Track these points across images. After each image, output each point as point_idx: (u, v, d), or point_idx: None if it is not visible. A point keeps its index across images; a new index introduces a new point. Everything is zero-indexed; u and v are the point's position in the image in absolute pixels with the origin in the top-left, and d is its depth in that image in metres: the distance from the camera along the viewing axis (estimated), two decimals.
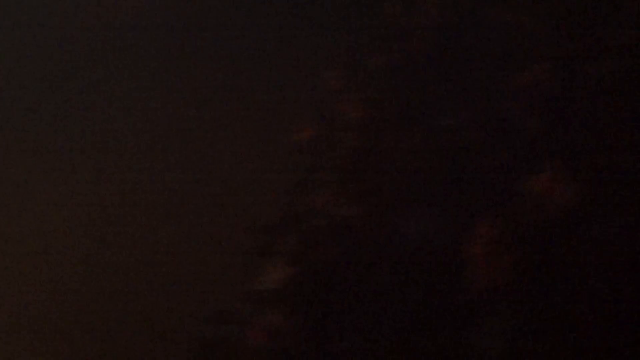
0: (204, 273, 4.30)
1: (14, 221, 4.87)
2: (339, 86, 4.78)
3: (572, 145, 3.69)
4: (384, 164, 4.08)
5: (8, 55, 6.40)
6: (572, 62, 3.93)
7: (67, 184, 5.08)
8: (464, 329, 3.43)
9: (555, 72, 3.90)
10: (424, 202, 3.82)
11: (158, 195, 4.85)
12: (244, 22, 5.88)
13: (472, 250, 3.53)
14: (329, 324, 3.55)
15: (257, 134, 5.02)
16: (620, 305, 3.25)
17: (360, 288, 3.71)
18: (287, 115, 5.06)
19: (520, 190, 3.65)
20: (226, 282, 4.19)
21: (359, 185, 4.12)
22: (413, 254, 3.67)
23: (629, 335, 3.25)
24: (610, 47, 3.94)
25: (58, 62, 6.09)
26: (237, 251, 4.34)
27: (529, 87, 3.91)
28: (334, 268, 3.74)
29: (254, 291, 3.98)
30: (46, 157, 5.40)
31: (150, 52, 5.97)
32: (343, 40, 5.18)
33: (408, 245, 3.80)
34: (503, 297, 3.37)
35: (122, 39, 6.08)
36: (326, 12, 5.38)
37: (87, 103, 5.64)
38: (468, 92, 4.05)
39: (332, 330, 3.53)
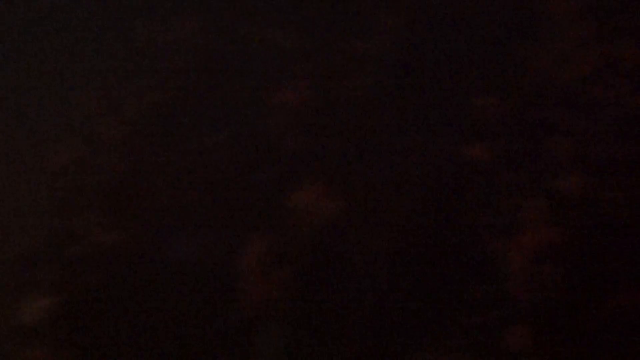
0: None
1: None
2: (99, 109, 4.71)
3: (332, 158, 3.78)
4: (149, 185, 4.06)
5: None
6: (327, 78, 4.02)
7: None
8: (240, 347, 3.47)
9: (312, 88, 3.98)
10: (192, 222, 3.81)
11: None
12: None
13: (244, 267, 3.57)
14: (96, 356, 3.50)
15: (13, 158, 4.80)
16: (391, 315, 3.35)
17: (127, 315, 3.64)
18: (47, 138, 4.85)
19: (287, 206, 3.69)
20: None
21: (123, 208, 4.02)
22: (183, 275, 3.67)
23: (401, 336, 3.35)
24: (362, 60, 4.05)
25: None
26: None
27: (288, 104, 3.98)
28: (98, 296, 3.66)
29: (15, 326, 3.75)
30: None
31: None
32: (99, 62, 5.10)
33: (177, 267, 3.76)
34: (277, 311, 3.43)
35: None
36: (81, 38, 5.32)
37: None
38: (231, 110, 4.08)
39: None
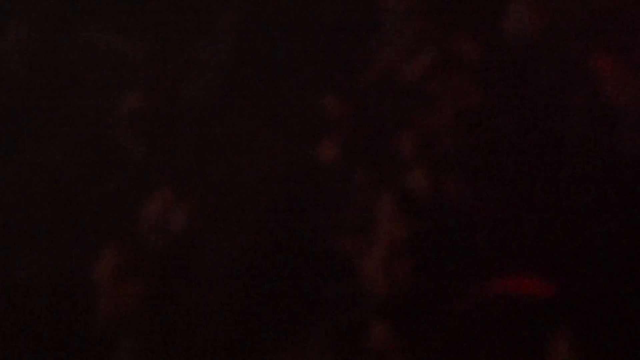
0: None
1: None
2: None
3: (180, 165, 3.82)
4: None
5: None
6: (172, 83, 4.04)
7: None
8: None
9: (156, 95, 3.98)
10: (39, 239, 3.73)
11: None
12: None
13: (97, 281, 3.54)
14: None
15: None
16: (247, 319, 3.42)
17: None
18: None
19: (138, 215, 3.69)
20: None
21: None
22: (34, 294, 3.61)
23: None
24: (205, 64, 4.09)
25: None
26: None
27: (132, 112, 3.96)
28: None
29: None
30: None
31: None
32: None
33: (26, 286, 3.69)
34: (132, 324, 3.44)
35: None
36: None
37: None
38: (74, 121, 4.00)
39: None
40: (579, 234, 3.38)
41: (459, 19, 3.78)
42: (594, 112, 3.61)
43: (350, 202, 3.61)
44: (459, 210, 3.42)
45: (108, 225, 3.82)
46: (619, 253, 3.31)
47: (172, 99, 3.91)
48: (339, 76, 3.91)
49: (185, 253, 3.71)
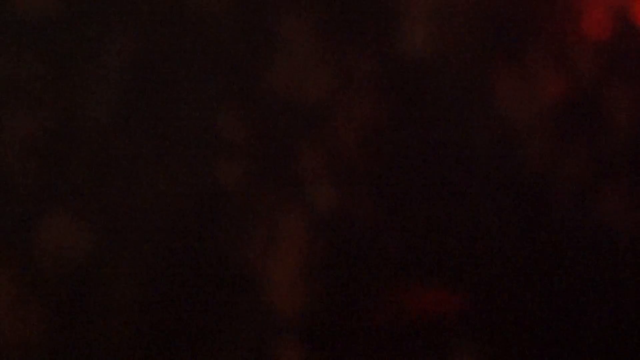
0: None
1: None
2: None
3: (78, 189, 3.78)
4: None
5: None
6: (67, 104, 4.00)
7: None
8: None
9: (52, 117, 3.93)
10: None
11: None
12: None
13: None
14: None
15: None
16: (153, 341, 3.43)
17: None
18: None
19: (35, 242, 3.65)
20: None
21: None
22: None
23: None
24: (101, 83, 4.08)
25: None
26: None
27: (27, 135, 3.91)
28: None
29: None
30: None
31: None
32: None
33: None
34: (34, 354, 3.39)
35: None
36: None
37: None
38: None
39: None
40: (483, 247, 3.45)
41: (357, 38, 3.81)
42: (492, 127, 3.69)
43: (255, 221, 3.58)
44: (366, 226, 3.44)
45: (4, 255, 3.69)
46: (524, 267, 3.39)
47: (70, 120, 3.80)
48: (240, 96, 3.89)
49: (86, 278, 3.61)
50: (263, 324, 3.35)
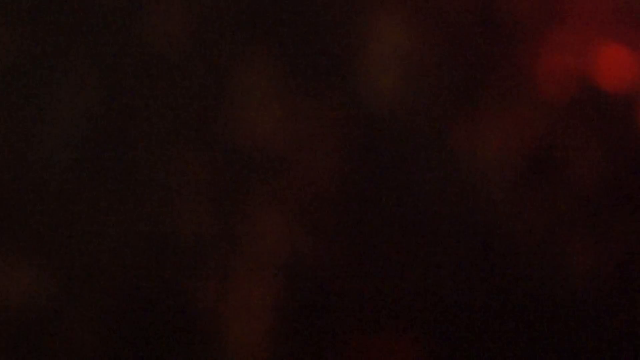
0: None
1: None
2: None
3: (34, 231, 3.78)
4: None
5: None
6: (16, 146, 3.99)
7: None
8: None
9: (5, 156, 3.91)
10: None
11: None
12: None
13: None
14: None
15: None
16: None
17: None
18: None
19: None
20: None
21: None
22: None
23: None
24: (52, 125, 4.06)
25: None
26: None
27: None
28: None
29: None
30: None
31: None
32: None
33: None
34: None
35: None
36: None
37: None
38: None
39: None
40: (445, 295, 3.47)
41: (310, 83, 3.83)
42: (453, 176, 3.74)
43: (210, 267, 3.57)
44: (324, 275, 3.44)
45: None
46: (486, 315, 3.41)
47: (18, 164, 3.75)
48: (200, 144, 3.88)
49: (45, 325, 3.54)
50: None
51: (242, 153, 3.87)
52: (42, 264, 3.52)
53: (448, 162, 3.65)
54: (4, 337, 3.37)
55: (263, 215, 3.55)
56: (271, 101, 3.78)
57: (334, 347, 3.39)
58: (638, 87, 3.82)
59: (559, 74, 3.80)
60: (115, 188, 3.78)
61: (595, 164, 3.54)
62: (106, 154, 3.92)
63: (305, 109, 3.79)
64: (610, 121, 3.76)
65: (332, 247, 3.51)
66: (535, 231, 3.57)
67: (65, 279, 3.51)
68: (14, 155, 3.81)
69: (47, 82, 4.06)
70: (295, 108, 3.75)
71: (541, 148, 3.71)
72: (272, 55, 3.84)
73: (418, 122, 3.74)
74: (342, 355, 3.37)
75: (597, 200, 3.49)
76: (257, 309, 3.41)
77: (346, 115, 3.78)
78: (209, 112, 3.99)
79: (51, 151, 3.91)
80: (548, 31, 3.82)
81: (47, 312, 3.40)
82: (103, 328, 3.42)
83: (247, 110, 3.78)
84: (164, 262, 3.57)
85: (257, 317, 3.41)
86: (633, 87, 3.69)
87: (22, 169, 3.80)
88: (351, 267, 3.49)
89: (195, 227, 3.62)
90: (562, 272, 3.41)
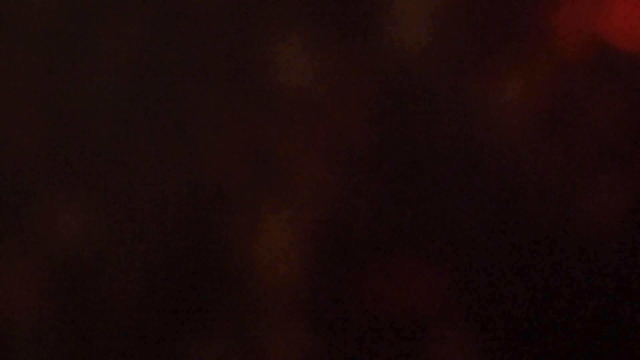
0: None
1: None
2: None
3: (80, 176, 3.99)
4: None
5: None
6: (67, 88, 4.19)
7: None
8: None
9: (50, 100, 4.10)
10: None
11: None
12: None
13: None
14: None
15: None
16: (153, 319, 3.66)
17: None
18: None
19: (36, 227, 3.80)
20: None
21: None
22: None
23: None
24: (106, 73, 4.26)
25: None
26: None
27: (28, 119, 4.09)
28: None
29: None
30: None
31: None
32: None
33: None
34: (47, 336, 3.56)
35: None
36: None
37: None
38: None
39: None
40: (466, 234, 3.67)
41: (340, 35, 4.03)
42: (471, 125, 3.94)
43: (244, 212, 3.80)
44: (349, 219, 3.66)
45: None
46: (505, 257, 3.61)
47: (67, 111, 3.96)
48: (236, 93, 4.10)
49: (92, 268, 3.76)
50: (254, 298, 3.56)
51: (276, 101, 4.06)
52: (91, 208, 3.73)
53: (470, 113, 3.85)
54: (53, 279, 3.58)
55: (296, 162, 3.75)
56: (303, 52, 3.98)
57: (359, 290, 3.61)
58: None
59: (575, 33, 4.00)
60: (156, 135, 3.99)
61: (612, 113, 3.75)
62: (149, 103, 4.14)
63: (336, 60, 3.98)
64: (626, 78, 3.97)
65: (362, 193, 3.71)
66: (557, 170, 3.75)
67: (111, 223, 3.73)
68: (63, 104, 4.03)
69: (92, 34, 4.28)
70: (326, 59, 3.95)
71: (558, 101, 3.91)
72: (304, 9, 4.05)
73: (441, 76, 3.93)
74: (367, 296, 3.58)
75: (617, 142, 3.69)
76: (288, 253, 3.64)
77: (374, 67, 3.97)
78: (244, 62, 4.18)
79: (97, 99, 4.13)
80: None
81: (94, 254, 3.61)
82: (145, 270, 3.64)
83: (280, 61, 3.98)
84: (201, 207, 3.79)
85: (287, 260, 3.62)
86: None
87: (70, 116, 4.01)
88: (380, 214, 3.70)
89: (231, 173, 3.82)
90: (584, 212, 3.59)
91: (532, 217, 3.68)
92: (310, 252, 3.63)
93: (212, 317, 3.54)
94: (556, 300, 3.55)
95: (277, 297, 3.58)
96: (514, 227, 3.60)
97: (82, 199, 3.76)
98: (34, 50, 4.36)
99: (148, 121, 4.02)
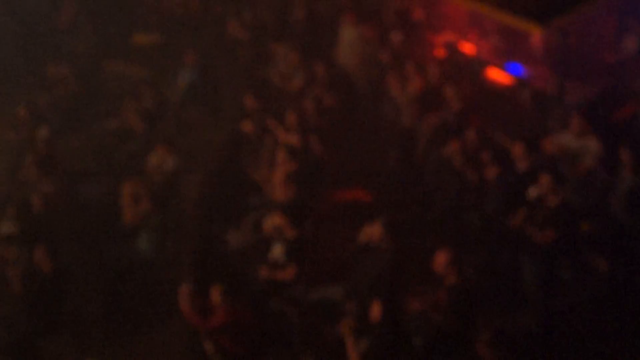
0: None
1: None
2: None
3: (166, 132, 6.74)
4: None
5: None
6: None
7: None
8: None
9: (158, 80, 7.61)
10: None
11: None
12: None
13: (121, 204, 6.04)
14: None
15: None
16: None
17: None
18: None
19: (145, 164, 6.54)
20: None
21: None
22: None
23: None
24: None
25: None
26: None
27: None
28: None
29: None
30: None
31: None
32: None
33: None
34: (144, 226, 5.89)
35: None
36: None
37: None
38: None
39: None
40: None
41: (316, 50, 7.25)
42: (387, 109, 6.73)
43: (262, 153, 6.36)
44: (318, 157, 6.33)
45: (125, 171, 6.36)
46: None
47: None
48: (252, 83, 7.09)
49: (173, 183, 6.18)
50: (265, 207, 6.04)
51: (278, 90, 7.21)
52: (174, 148, 6.69)
53: (383, 100, 6.89)
54: (154, 190, 6.25)
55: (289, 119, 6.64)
56: (292, 62, 6.96)
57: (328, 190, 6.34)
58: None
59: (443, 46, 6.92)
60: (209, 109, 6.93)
61: (460, 92, 6.52)
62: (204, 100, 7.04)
63: (311, 70, 6.92)
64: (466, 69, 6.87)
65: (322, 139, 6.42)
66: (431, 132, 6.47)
67: (188, 155, 6.82)
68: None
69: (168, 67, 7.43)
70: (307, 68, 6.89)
71: (432, 86, 6.72)
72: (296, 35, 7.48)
73: (369, 80, 7.08)
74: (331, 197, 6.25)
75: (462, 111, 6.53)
76: (286, 173, 6.22)
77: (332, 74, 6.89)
78: (260, 67, 7.15)
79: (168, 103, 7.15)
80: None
81: (174, 174, 6.64)
82: (205, 184, 6.34)
83: (279, 68, 7.14)
84: (236, 151, 6.55)
85: (287, 178, 6.18)
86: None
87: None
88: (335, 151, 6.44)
89: (251, 133, 6.50)
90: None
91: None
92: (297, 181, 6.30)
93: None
94: None
95: (280, 207, 6.36)
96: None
97: (174, 148, 6.67)
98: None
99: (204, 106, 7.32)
